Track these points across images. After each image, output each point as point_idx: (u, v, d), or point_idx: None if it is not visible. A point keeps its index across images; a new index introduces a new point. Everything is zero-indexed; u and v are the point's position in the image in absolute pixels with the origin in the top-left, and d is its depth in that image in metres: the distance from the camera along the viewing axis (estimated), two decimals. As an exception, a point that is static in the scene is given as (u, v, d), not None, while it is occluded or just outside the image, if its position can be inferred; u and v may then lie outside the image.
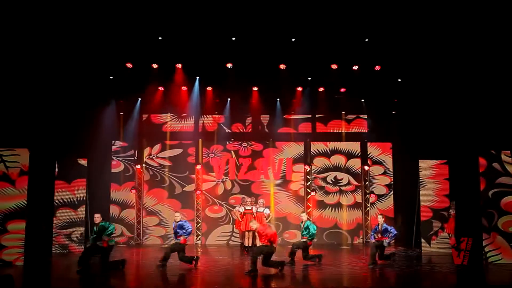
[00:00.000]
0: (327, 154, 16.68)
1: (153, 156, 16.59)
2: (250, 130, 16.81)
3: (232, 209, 15.61)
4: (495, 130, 12.69)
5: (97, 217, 11.13)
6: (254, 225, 11.27)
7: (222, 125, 16.66)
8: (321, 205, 16.41)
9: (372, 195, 16.40)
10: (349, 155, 16.68)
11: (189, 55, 13.84)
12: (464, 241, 11.58)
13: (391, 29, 13.00)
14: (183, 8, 12.42)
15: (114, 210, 16.08)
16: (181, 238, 11.20)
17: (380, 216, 12.13)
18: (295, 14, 12.58)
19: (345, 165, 16.62)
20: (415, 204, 14.22)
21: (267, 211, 14.00)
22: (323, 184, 16.51)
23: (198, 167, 16.39)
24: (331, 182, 16.53)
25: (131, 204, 16.25)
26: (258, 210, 13.88)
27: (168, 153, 16.60)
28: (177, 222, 11.34)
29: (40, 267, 11.51)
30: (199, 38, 13.27)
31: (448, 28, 12.54)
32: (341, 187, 16.50)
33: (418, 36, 12.99)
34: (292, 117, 16.64)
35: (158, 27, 13.00)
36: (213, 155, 16.61)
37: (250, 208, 13.93)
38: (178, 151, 16.60)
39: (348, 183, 16.53)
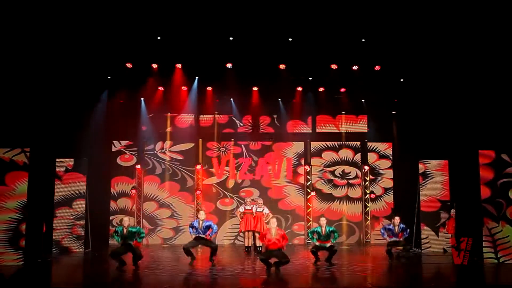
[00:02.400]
0: (335, 148, 17.07)
1: (165, 150, 16.96)
2: (250, 130, 17.08)
3: (242, 201, 16.06)
4: (495, 130, 12.90)
5: (126, 220, 11.34)
6: (273, 224, 11.01)
7: (234, 118, 17.02)
8: (330, 197, 16.80)
9: (372, 194, 16.71)
10: (356, 150, 17.06)
11: (189, 55, 14.03)
12: (464, 241, 11.70)
13: (391, 29, 13.12)
14: (183, 8, 12.57)
15: (127, 203, 16.52)
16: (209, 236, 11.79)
17: (397, 217, 12.62)
18: (295, 14, 12.70)
19: (352, 159, 17.01)
20: (415, 204, 14.44)
21: (266, 210, 13.97)
22: (331, 177, 16.91)
23: (198, 167, 16.70)
24: (339, 176, 16.93)
25: (148, 196, 16.70)
26: (258, 210, 13.91)
27: (180, 147, 16.95)
28: (202, 220, 11.79)
29: (40, 267, 11.57)
30: (200, 38, 13.44)
31: (448, 28, 12.69)
32: (349, 181, 16.90)
33: (418, 36, 13.15)
34: (292, 116, 16.95)
35: (158, 27, 13.16)
36: (224, 149, 16.99)
37: (250, 208, 14.00)
38: (190, 145, 16.96)
39: (356, 177, 16.93)
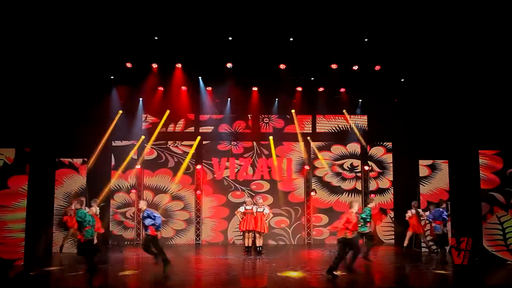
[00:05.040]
0: (343, 142, 17.52)
1: (178, 144, 17.28)
2: (250, 129, 17.40)
3: (253, 194, 16.56)
4: (494, 129, 13.36)
5: (75, 203, 11.27)
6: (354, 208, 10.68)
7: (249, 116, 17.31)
8: (338, 190, 17.27)
9: (372, 195, 17.07)
10: (362, 145, 17.47)
11: (189, 55, 14.28)
12: (464, 241, 12.01)
13: (391, 29, 13.40)
14: (183, 8, 12.78)
15: (147, 195, 16.87)
16: (150, 229, 10.88)
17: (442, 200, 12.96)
18: (295, 14, 12.94)
19: (360, 152, 17.50)
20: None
21: (266, 210, 14.11)
22: (340, 170, 17.41)
23: (198, 167, 17.01)
24: (348, 169, 17.45)
25: (164, 189, 17.00)
26: (258, 210, 14.01)
27: (193, 141, 17.22)
28: (143, 211, 11.07)
29: (40, 267, 11.69)
30: (200, 38, 13.67)
31: (448, 28, 12.99)
32: (356, 174, 17.41)
33: (418, 36, 13.44)
34: (292, 116, 17.25)
35: (158, 27, 13.39)
36: (235, 143, 17.36)
37: (250, 208, 14.12)
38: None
39: (371, 170, 17.39)
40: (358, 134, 17.27)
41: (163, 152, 17.22)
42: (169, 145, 17.27)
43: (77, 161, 14.54)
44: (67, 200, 14.26)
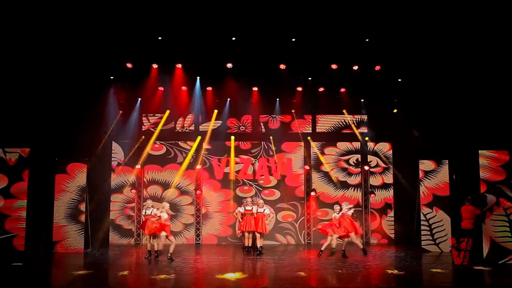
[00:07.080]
0: (349, 139, 17.69)
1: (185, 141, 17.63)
2: (251, 130, 17.67)
3: (260, 189, 16.82)
4: (494, 129, 13.45)
5: None
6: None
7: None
8: (344, 185, 17.45)
9: (372, 195, 17.24)
10: (363, 143, 17.63)
11: (190, 55, 14.34)
12: (464, 241, 12.08)
13: (391, 29, 13.43)
14: (184, 8, 12.88)
15: (156, 190, 17.21)
16: None
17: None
18: (295, 14, 13.01)
19: (361, 149, 17.67)
20: (415, 204, 15.05)
21: (267, 211, 14.04)
22: (346, 165, 17.60)
23: (198, 167, 17.23)
24: (353, 164, 17.65)
25: (169, 184, 17.31)
26: (258, 210, 13.96)
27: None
28: None
29: (40, 266, 11.93)
30: (201, 39, 13.76)
31: (448, 28, 13.05)
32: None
33: (418, 36, 13.50)
34: (293, 116, 17.46)
35: (158, 27, 13.48)
36: (244, 143, 17.66)
37: (250, 209, 14.07)
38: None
39: (377, 165, 17.60)
40: (358, 134, 17.42)
41: (172, 148, 17.53)
42: (178, 141, 17.55)
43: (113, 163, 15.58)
44: (79, 193, 14.62)
